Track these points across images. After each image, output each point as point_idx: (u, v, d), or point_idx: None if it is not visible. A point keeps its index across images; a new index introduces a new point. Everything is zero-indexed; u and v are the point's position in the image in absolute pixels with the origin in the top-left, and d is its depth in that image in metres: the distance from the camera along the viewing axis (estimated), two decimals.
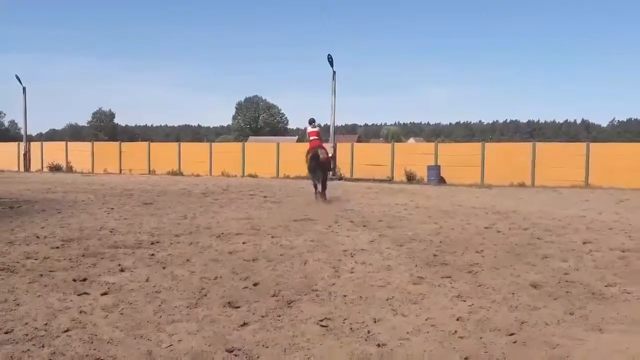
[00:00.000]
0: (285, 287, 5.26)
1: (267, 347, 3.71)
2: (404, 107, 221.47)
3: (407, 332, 4.03)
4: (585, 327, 4.20)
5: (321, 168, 15.01)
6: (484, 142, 28.30)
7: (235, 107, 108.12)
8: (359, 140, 72.73)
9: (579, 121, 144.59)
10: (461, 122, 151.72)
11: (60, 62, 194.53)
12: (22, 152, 37.99)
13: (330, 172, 28.24)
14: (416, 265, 6.32)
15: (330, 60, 29.01)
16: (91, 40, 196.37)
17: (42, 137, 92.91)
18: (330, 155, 28.98)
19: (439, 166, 25.92)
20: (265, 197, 15.81)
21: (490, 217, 11.38)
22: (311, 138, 15.72)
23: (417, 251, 7.25)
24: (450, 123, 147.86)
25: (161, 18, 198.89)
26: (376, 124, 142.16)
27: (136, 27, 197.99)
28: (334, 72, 29.49)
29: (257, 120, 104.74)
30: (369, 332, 4.03)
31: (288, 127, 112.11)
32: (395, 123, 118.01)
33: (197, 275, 5.70)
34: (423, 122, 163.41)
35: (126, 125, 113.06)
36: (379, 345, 3.75)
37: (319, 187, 14.95)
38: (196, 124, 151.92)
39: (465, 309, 4.62)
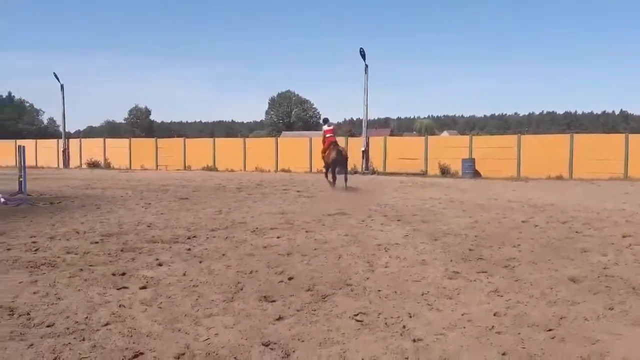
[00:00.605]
0: (320, 281, 5.27)
1: (302, 341, 3.73)
2: (438, 101, 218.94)
3: (443, 328, 3.99)
4: (626, 322, 4.10)
5: (344, 162, 16.26)
6: (519, 135, 27.82)
7: (268, 103, 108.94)
8: (391, 134, 72.14)
9: (617, 112, 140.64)
10: (496, 114, 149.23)
11: (96, 59, 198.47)
12: (61, 149, 39.00)
13: (363, 167, 28.28)
14: (451, 260, 6.25)
15: (362, 53, 28.93)
16: (127, 38, 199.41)
17: (80, 134, 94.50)
18: (363, 149, 29.06)
19: (474, 159, 25.59)
20: (298, 191, 15.87)
21: (527, 210, 11.18)
22: (327, 135, 16.67)
23: (452, 245, 7.17)
24: (485, 115, 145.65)
25: (194, 16, 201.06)
26: (409, 117, 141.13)
27: (170, 25, 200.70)
28: (366, 66, 29.42)
29: (290, 115, 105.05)
30: (404, 327, 4.01)
31: (320, 121, 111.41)
32: (429, 116, 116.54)
33: (233, 269, 5.76)
34: (457, 115, 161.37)
35: (162, 122, 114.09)
36: (414, 340, 3.73)
37: (339, 179, 16.18)
38: (230, 120, 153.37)
39: (502, 304, 4.55)
